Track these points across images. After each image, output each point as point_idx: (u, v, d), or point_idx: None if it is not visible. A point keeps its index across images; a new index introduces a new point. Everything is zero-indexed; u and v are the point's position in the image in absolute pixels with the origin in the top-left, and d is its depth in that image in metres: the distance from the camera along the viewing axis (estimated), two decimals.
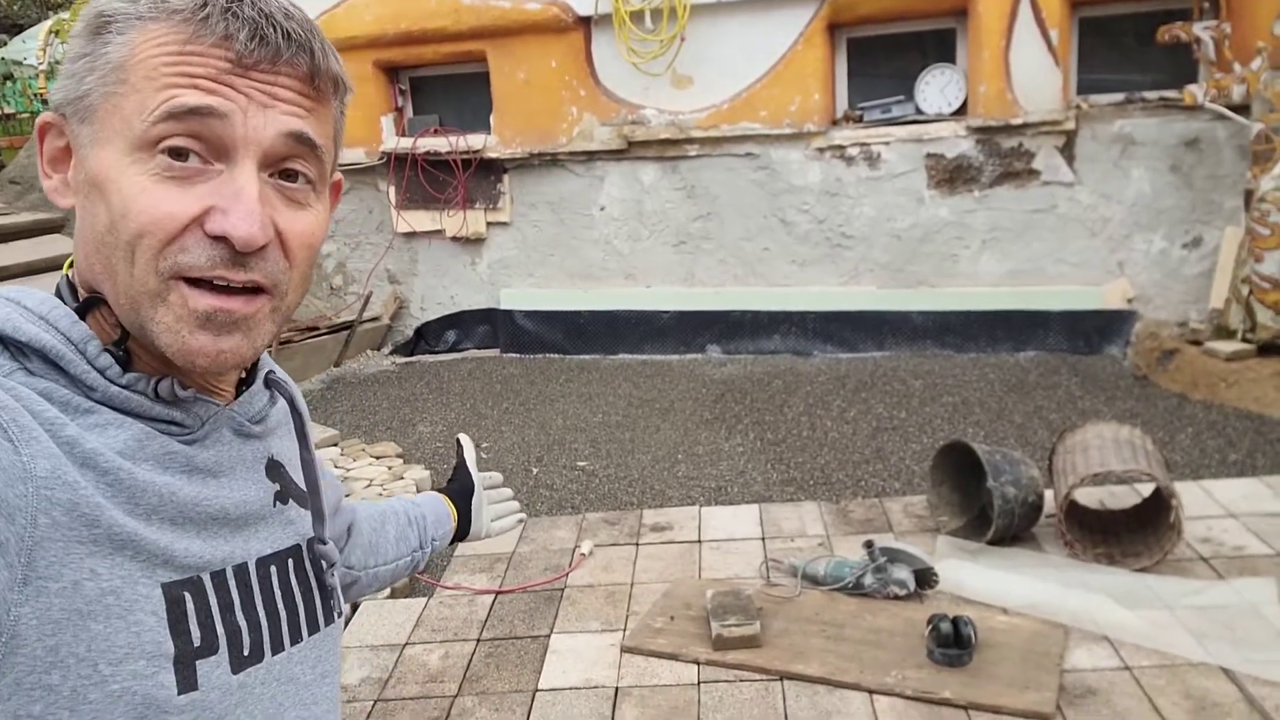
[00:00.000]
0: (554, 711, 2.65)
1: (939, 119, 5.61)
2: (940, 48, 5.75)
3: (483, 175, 6.26)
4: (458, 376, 5.92)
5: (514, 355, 6.36)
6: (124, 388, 0.69)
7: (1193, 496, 3.53)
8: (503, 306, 6.42)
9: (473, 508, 1.33)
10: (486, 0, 5.95)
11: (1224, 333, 4.92)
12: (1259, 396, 4.47)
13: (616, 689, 2.72)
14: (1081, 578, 3.06)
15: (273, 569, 0.77)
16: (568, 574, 3.39)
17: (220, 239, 0.67)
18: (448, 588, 3.37)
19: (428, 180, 6.28)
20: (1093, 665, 2.66)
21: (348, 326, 6.30)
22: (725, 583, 3.22)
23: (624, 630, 3.01)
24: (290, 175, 0.71)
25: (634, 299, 6.18)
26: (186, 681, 0.67)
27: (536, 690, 2.75)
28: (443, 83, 6.57)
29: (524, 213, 6.31)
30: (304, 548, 0.81)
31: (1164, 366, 4.98)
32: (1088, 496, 3.52)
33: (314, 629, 0.81)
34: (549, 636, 3.01)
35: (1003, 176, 5.53)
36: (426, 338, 6.68)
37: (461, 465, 1.37)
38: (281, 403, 0.83)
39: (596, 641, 2.96)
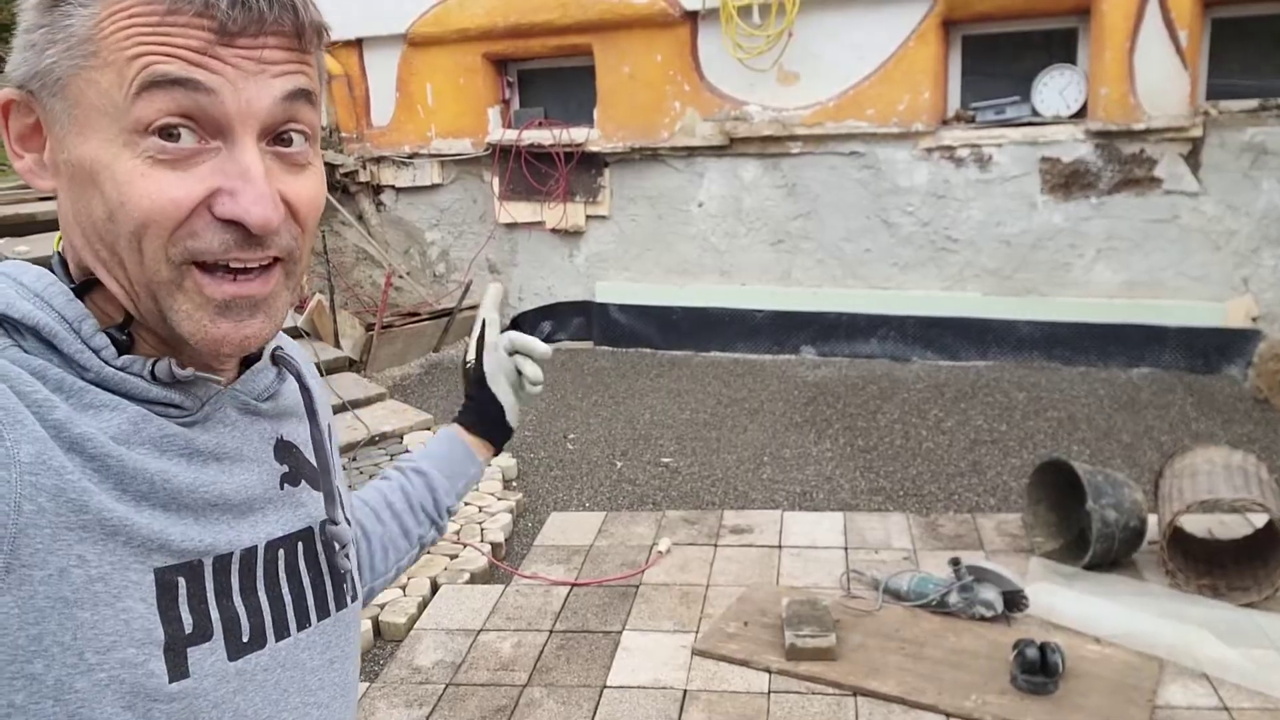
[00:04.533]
0: (621, 709, 2.64)
1: (1056, 121, 5.38)
2: (1060, 47, 5.52)
3: (584, 168, 6.28)
4: (550, 367, 5.95)
5: (606, 348, 6.38)
6: (119, 369, 0.67)
7: None
8: (598, 299, 6.44)
9: (507, 419, 1.15)
10: None
11: None
12: None
13: (685, 691, 2.69)
14: (1182, 609, 2.89)
15: (280, 552, 0.75)
16: (644, 571, 3.37)
17: (232, 222, 0.65)
18: (525, 577, 3.39)
19: (530, 172, 6.34)
20: (1188, 703, 2.51)
21: (447, 314, 6.41)
22: (803, 591, 3.15)
23: (696, 632, 2.97)
24: (286, 139, 0.68)
25: (729, 296, 6.12)
26: (177, 669, 0.66)
27: (605, 686, 2.74)
28: (549, 76, 6.61)
29: (623, 207, 6.32)
30: (315, 530, 0.80)
31: None
32: (1195, 524, 3.33)
33: (324, 614, 0.79)
34: (621, 633, 3.00)
35: (1122, 183, 5.28)
36: (522, 327, 6.73)
37: (476, 376, 1.14)
38: (291, 380, 0.81)
39: (668, 641, 2.94)
